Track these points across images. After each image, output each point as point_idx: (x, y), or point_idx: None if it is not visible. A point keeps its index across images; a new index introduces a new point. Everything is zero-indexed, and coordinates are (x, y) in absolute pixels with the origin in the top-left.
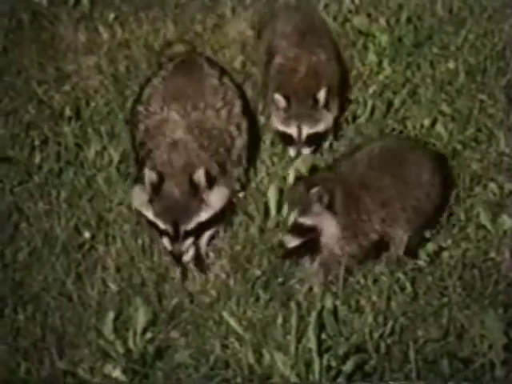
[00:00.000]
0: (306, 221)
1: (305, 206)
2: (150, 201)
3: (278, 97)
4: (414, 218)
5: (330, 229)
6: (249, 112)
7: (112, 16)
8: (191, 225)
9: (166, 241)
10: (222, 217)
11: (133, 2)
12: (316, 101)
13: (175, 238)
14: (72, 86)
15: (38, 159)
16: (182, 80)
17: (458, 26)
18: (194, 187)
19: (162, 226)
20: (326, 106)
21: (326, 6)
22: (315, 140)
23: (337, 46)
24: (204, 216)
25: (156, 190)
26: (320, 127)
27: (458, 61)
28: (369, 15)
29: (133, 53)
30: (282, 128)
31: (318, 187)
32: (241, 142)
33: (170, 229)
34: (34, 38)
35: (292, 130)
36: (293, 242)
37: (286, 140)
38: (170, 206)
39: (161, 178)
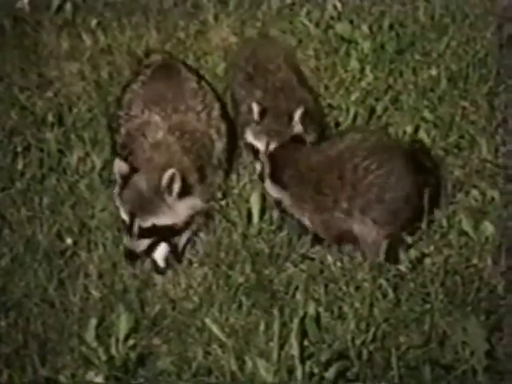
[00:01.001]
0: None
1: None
2: (120, 192)
3: (255, 106)
4: (391, 217)
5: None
6: (227, 116)
7: (95, 22)
8: (147, 223)
9: (125, 235)
10: (187, 228)
11: (116, 8)
12: (291, 119)
13: (130, 231)
14: (55, 92)
15: (20, 165)
16: (161, 84)
17: (440, 33)
18: (162, 187)
19: (122, 215)
20: (305, 128)
21: (308, 12)
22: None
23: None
24: (163, 220)
25: (125, 180)
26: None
27: (440, 67)
28: (351, 22)
29: (115, 59)
30: (251, 140)
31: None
32: (220, 145)
33: (127, 220)
34: (17, 44)
35: (260, 144)
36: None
37: (254, 153)
38: (133, 196)
39: (133, 170)
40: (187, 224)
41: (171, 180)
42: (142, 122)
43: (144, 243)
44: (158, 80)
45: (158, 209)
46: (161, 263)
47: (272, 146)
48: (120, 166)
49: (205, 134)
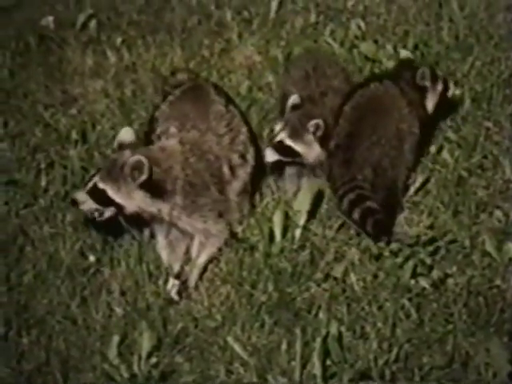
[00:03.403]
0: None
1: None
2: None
3: (296, 97)
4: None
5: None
6: (255, 140)
7: (119, 40)
8: (101, 185)
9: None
10: (132, 219)
11: (140, 26)
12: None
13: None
14: (78, 109)
15: (43, 182)
16: (188, 105)
17: (464, 53)
18: (126, 173)
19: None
20: (322, 138)
21: (332, 31)
22: (284, 152)
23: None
24: (115, 195)
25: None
26: (298, 147)
27: (465, 88)
28: (376, 41)
29: (139, 77)
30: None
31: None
32: (243, 171)
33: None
34: (41, 61)
35: (277, 128)
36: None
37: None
38: (111, 160)
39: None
40: (134, 216)
41: (135, 167)
42: (160, 131)
43: (89, 204)
44: (186, 101)
45: (118, 184)
46: (174, 297)
47: (281, 136)
48: (127, 133)
49: (221, 158)
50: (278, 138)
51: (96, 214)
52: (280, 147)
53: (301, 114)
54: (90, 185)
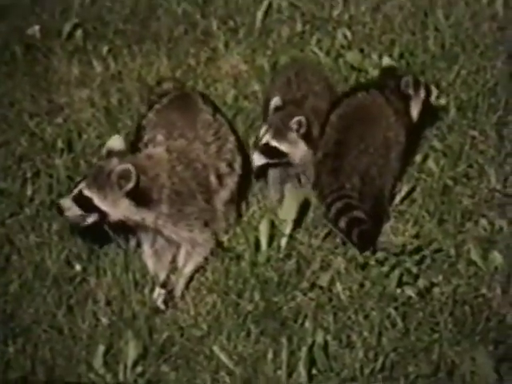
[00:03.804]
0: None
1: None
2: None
3: (278, 99)
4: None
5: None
6: (243, 148)
7: (105, 49)
8: (87, 192)
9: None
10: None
11: (126, 35)
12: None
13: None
14: (64, 118)
15: (29, 191)
16: (175, 113)
17: (450, 62)
18: (113, 181)
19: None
20: (306, 135)
21: (318, 40)
22: (271, 154)
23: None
24: (101, 203)
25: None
26: (283, 147)
27: (450, 96)
28: (361, 50)
29: (125, 86)
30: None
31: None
32: (231, 179)
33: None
34: (27, 70)
35: (261, 131)
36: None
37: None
38: (98, 168)
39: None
40: (119, 224)
41: (122, 176)
42: (147, 139)
43: (74, 210)
44: (174, 109)
45: (104, 191)
46: (160, 306)
47: (266, 138)
48: (117, 141)
49: (208, 166)
50: (263, 141)
51: (79, 219)
52: (266, 150)
53: (283, 115)
54: (76, 191)
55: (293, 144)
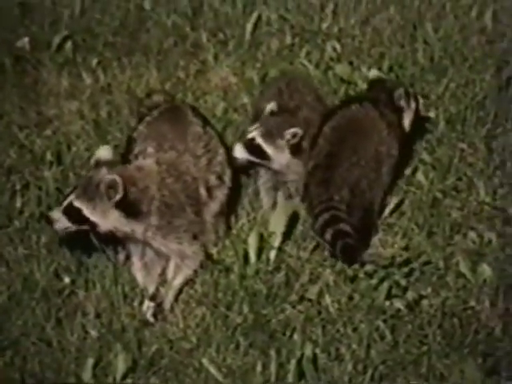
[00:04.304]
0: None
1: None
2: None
3: (274, 104)
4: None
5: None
6: (232, 161)
7: (95, 61)
8: (77, 203)
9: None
10: (106, 238)
11: (116, 47)
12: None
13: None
14: (53, 130)
15: (18, 204)
16: (165, 126)
17: (439, 75)
18: (101, 191)
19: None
20: (294, 147)
21: (308, 53)
22: (253, 151)
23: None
24: (91, 214)
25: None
26: (269, 150)
27: (439, 109)
28: (351, 63)
29: (115, 98)
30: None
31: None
32: (220, 192)
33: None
34: (17, 82)
35: (251, 128)
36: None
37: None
38: (88, 178)
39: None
40: (108, 235)
41: (111, 186)
42: (138, 151)
43: (63, 221)
44: (164, 122)
45: (93, 202)
46: (149, 318)
47: (253, 134)
48: (105, 151)
49: (198, 179)
50: (249, 136)
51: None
52: (250, 145)
53: (279, 120)
54: (66, 203)
55: (278, 150)
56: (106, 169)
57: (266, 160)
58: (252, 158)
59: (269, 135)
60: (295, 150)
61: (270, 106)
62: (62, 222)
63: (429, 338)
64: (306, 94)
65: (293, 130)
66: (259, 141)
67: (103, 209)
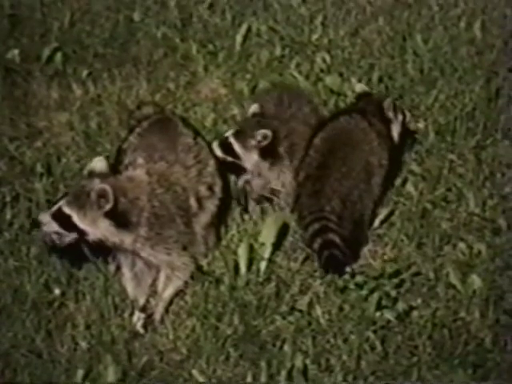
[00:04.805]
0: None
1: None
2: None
3: (256, 106)
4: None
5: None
6: (223, 172)
7: (85, 73)
8: (67, 210)
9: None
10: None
11: (106, 58)
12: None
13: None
14: (44, 142)
15: (8, 215)
16: (156, 137)
17: (428, 86)
18: (92, 200)
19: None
20: (264, 150)
21: (297, 64)
22: (226, 150)
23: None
24: (80, 221)
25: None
26: (238, 149)
27: (428, 120)
28: (340, 74)
29: (105, 110)
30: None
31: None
32: (211, 202)
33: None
34: (6, 94)
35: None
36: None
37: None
38: (79, 186)
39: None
40: (97, 244)
41: (101, 195)
42: (128, 162)
43: (52, 226)
44: (154, 132)
45: (83, 210)
46: (140, 330)
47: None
48: (100, 163)
49: (188, 190)
50: (225, 135)
51: (55, 237)
52: (224, 144)
53: (255, 122)
54: (55, 208)
55: (247, 150)
56: (98, 179)
57: (236, 159)
58: (225, 156)
59: (241, 135)
60: (265, 152)
61: (253, 109)
62: (50, 226)
63: (419, 349)
64: (300, 107)
65: (263, 131)
66: (231, 139)
67: (93, 217)
